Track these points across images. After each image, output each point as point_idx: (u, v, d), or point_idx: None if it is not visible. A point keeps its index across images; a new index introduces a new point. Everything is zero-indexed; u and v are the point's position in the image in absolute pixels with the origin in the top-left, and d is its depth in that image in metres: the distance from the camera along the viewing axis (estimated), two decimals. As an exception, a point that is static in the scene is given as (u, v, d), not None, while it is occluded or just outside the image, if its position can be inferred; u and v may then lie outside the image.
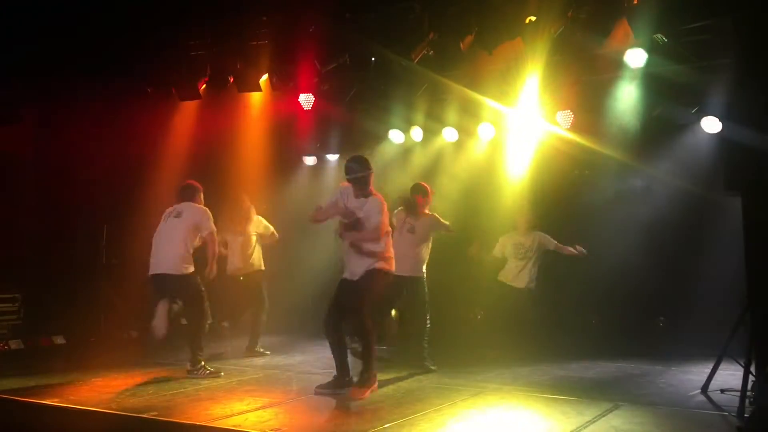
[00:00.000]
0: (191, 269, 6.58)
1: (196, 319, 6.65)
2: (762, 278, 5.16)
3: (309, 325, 9.17)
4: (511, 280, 7.85)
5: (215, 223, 6.80)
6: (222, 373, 6.59)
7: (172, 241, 6.54)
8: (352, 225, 5.72)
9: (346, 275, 5.81)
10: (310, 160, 10.34)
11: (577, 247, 7.55)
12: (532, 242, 7.80)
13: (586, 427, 4.65)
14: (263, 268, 8.02)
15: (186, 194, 6.81)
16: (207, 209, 6.74)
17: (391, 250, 5.83)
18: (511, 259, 7.88)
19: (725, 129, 7.11)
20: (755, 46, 5.40)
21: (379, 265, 5.68)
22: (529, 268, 7.78)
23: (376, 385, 5.67)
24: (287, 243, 8.73)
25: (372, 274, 5.67)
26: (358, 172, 5.73)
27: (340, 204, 5.78)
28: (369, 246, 5.66)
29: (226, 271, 7.83)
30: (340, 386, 5.73)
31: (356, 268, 5.72)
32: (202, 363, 6.60)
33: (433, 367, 6.74)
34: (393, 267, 5.86)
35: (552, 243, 7.78)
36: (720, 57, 6.71)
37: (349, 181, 5.77)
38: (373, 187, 5.82)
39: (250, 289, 7.93)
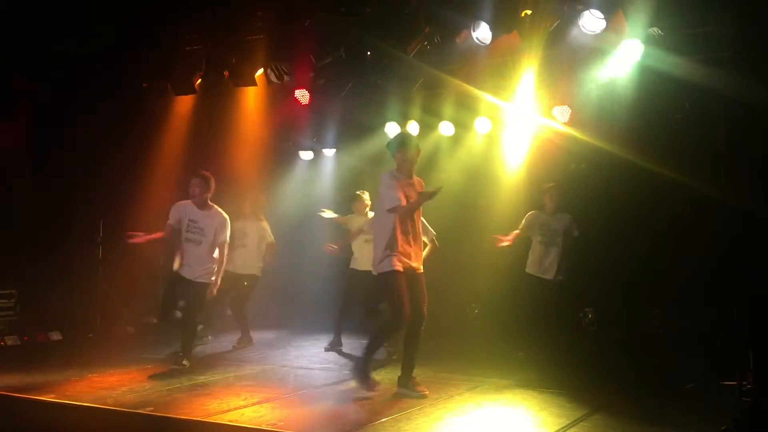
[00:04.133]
0: None
1: None
2: (761, 272, 5.17)
3: (306, 320, 9.19)
4: (539, 270, 7.25)
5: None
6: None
7: None
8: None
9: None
10: (306, 155, 10.32)
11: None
12: (560, 225, 7.27)
13: (582, 420, 4.66)
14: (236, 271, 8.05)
15: None
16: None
17: None
18: (536, 244, 7.30)
19: (724, 122, 7.11)
20: (754, 40, 5.40)
21: None
22: (556, 254, 7.20)
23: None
24: (284, 238, 8.73)
25: None
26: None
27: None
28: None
29: None
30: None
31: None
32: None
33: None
34: None
35: (575, 231, 7.30)
36: (718, 50, 6.69)
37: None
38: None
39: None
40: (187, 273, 6.60)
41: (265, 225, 8.23)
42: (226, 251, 6.76)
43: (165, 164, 8.83)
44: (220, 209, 6.74)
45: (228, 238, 6.75)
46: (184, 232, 6.66)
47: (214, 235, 6.63)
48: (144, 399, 5.38)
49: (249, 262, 8.07)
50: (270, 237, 8.20)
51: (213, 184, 6.68)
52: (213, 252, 6.67)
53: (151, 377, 6.20)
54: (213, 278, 6.67)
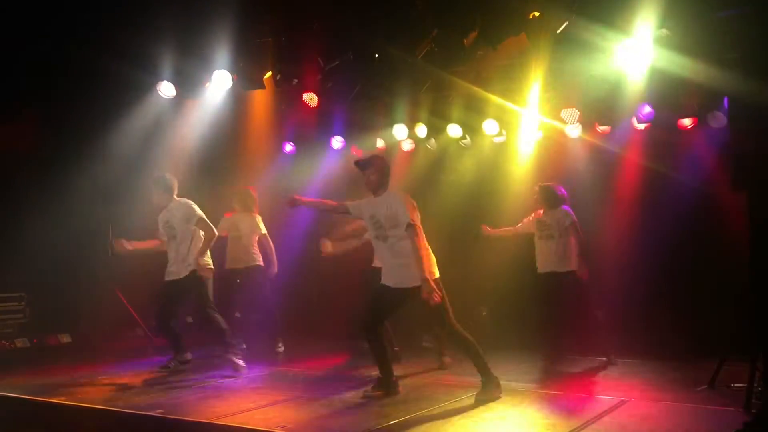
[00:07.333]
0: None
1: None
2: (767, 274, 5.13)
3: (313, 323, 9.19)
4: (548, 265, 7.24)
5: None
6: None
7: None
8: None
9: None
10: (313, 158, 10.30)
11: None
12: (552, 220, 7.27)
13: (593, 422, 4.64)
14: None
15: None
16: None
17: None
18: (537, 241, 7.33)
19: (731, 125, 7.07)
20: (761, 42, 5.37)
21: None
22: (559, 247, 7.16)
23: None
24: (288, 242, 8.74)
25: None
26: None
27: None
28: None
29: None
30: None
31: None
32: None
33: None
34: None
35: (569, 219, 7.15)
36: (726, 53, 6.66)
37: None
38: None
39: None
40: (174, 275, 6.67)
41: (258, 219, 8.21)
42: (212, 233, 6.74)
43: (173, 166, 8.84)
44: (180, 199, 6.88)
45: (203, 216, 6.76)
46: (163, 236, 6.87)
47: (181, 221, 6.73)
48: (154, 401, 5.40)
49: (238, 256, 7.99)
50: (262, 229, 8.15)
51: (171, 182, 6.90)
52: (188, 243, 6.72)
53: (158, 378, 6.23)
54: (194, 267, 6.71)
